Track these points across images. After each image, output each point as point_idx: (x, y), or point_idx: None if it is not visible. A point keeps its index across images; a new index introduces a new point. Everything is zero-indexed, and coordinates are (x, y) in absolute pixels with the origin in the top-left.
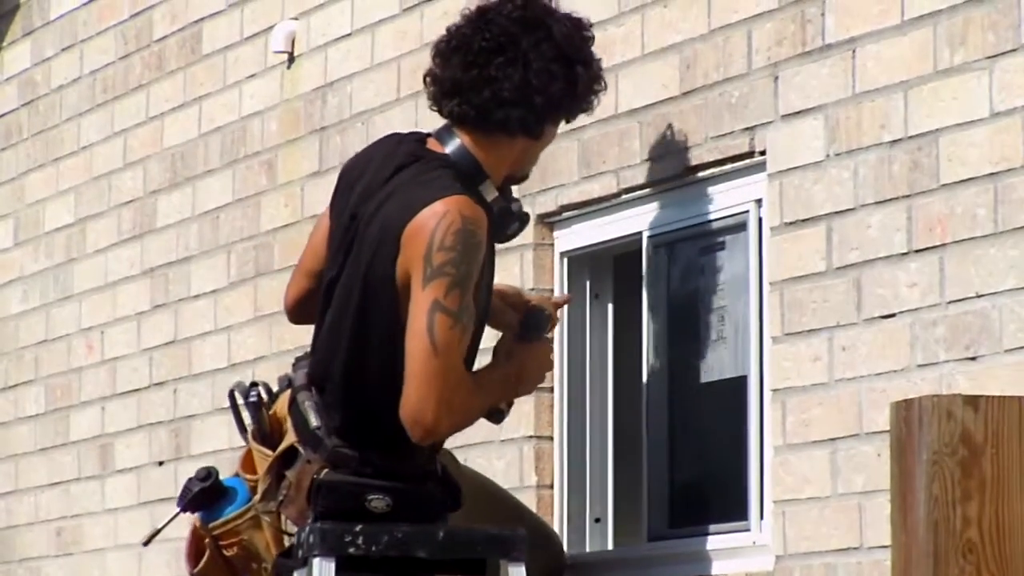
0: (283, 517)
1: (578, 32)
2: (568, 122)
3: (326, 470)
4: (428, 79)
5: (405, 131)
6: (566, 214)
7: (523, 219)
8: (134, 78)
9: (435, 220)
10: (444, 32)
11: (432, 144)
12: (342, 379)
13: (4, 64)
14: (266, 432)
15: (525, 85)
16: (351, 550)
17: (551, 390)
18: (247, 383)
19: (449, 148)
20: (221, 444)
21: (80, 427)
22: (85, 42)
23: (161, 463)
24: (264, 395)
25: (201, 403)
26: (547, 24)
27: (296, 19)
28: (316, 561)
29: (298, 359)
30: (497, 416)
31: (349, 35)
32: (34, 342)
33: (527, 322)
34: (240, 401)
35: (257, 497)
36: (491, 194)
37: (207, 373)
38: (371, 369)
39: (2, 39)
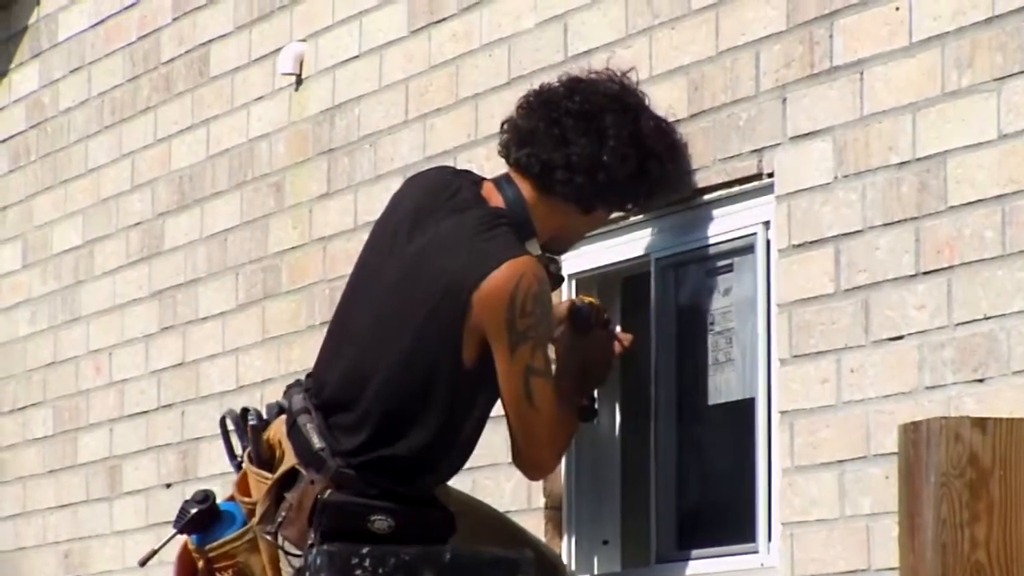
0: (281, 539)
1: (664, 132)
2: (620, 211)
3: (330, 490)
4: (506, 125)
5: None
6: None
7: (559, 281)
8: (142, 100)
9: (511, 284)
10: (536, 86)
11: (488, 190)
12: (372, 405)
13: (12, 86)
14: (263, 457)
15: (595, 157)
16: (358, 572)
17: None
18: (238, 410)
19: (506, 196)
20: (229, 466)
21: (88, 449)
22: (93, 64)
23: (169, 485)
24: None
25: (209, 425)
26: (636, 111)
27: (304, 41)
28: None
29: (289, 386)
30: (587, 414)
31: (357, 57)
32: (42, 364)
33: (576, 316)
34: (231, 427)
35: (255, 520)
36: (535, 250)
37: (215, 395)
38: (408, 401)
39: (10, 61)
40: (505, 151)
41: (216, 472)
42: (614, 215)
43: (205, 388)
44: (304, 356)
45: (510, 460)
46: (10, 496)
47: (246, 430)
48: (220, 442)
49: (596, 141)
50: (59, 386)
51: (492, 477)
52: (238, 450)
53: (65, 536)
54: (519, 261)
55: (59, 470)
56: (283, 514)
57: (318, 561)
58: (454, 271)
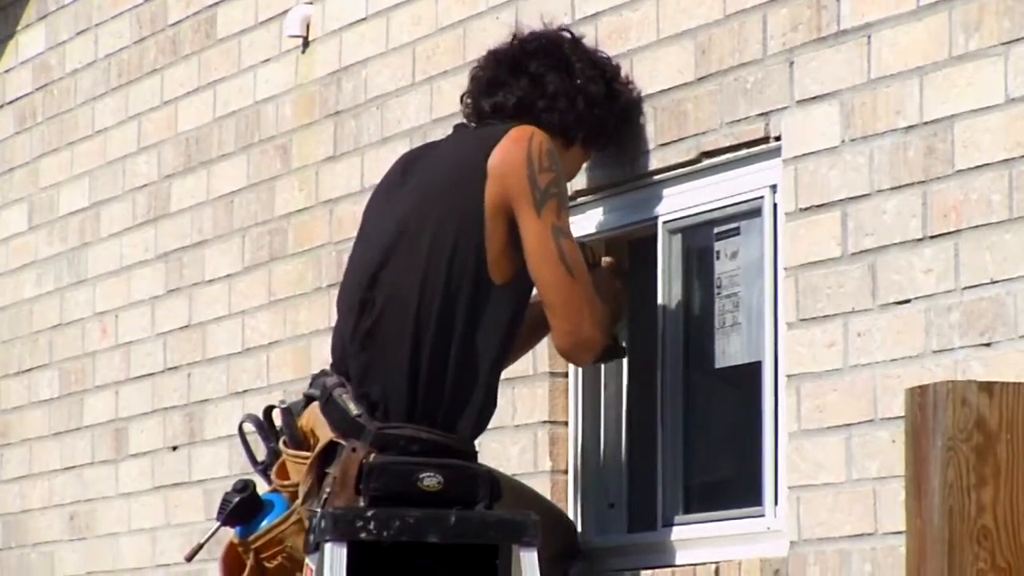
0: None
1: (610, 60)
2: (595, 145)
3: (373, 454)
4: (464, 96)
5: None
6: (581, 199)
7: (621, 352)
8: (148, 62)
9: (524, 143)
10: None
11: None
12: (390, 333)
13: (19, 48)
14: (299, 439)
15: (568, 83)
16: (363, 535)
17: (565, 375)
18: (259, 414)
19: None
20: (235, 429)
21: (94, 411)
22: (100, 26)
23: (175, 447)
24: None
25: (215, 387)
26: (582, 43)
27: (311, 3)
28: (328, 547)
29: (314, 376)
30: (614, 352)
31: (364, 19)
32: (48, 326)
33: None
34: (251, 429)
35: (299, 501)
36: None
37: (221, 358)
38: (428, 321)
39: (17, 23)
40: (475, 112)
41: (223, 434)
42: (622, 178)
43: (211, 350)
44: (310, 319)
45: (516, 423)
46: (16, 458)
47: (271, 428)
48: (226, 404)
49: (565, 71)
50: (65, 348)
51: (498, 440)
52: (259, 455)
53: (71, 498)
54: (524, 127)
55: (65, 432)
56: (328, 489)
57: (323, 524)
58: (463, 157)
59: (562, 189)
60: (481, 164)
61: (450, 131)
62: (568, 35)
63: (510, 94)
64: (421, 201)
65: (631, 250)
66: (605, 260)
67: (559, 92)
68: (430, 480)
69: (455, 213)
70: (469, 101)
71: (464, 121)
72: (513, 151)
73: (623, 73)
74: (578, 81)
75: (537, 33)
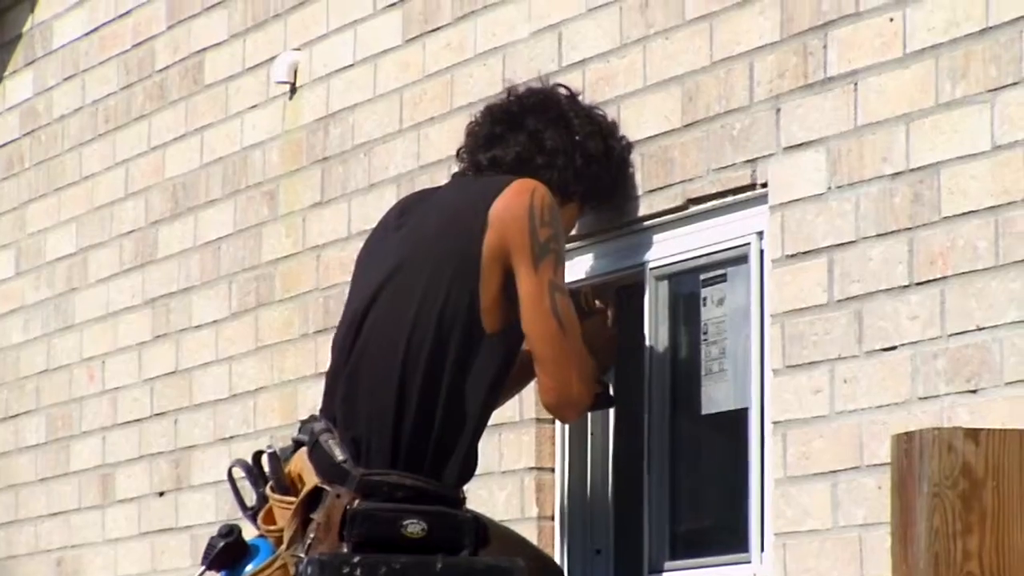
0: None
1: (604, 115)
2: (591, 202)
3: (358, 500)
4: (460, 150)
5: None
6: (568, 246)
7: (610, 401)
8: (136, 108)
9: (527, 195)
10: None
11: None
12: (380, 379)
13: (6, 93)
14: (285, 485)
15: (566, 139)
16: None
17: (552, 421)
18: (247, 459)
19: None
20: (222, 475)
21: (81, 457)
22: (87, 72)
23: (162, 493)
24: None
25: (202, 433)
26: (581, 103)
27: (298, 50)
28: None
29: (303, 422)
30: (603, 401)
31: (351, 66)
32: (35, 372)
33: None
34: (240, 474)
35: (284, 546)
36: None
37: (208, 403)
38: (422, 359)
39: (4, 68)
40: (472, 166)
41: (209, 480)
42: (609, 225)
43: (198, 396)
44: (297, 364)
45: (503, 470)
46: (2, 504)
47: (260, 473)
48: (213, 450)
49: (563, 127)
50: (52, 394)
51: (485, 487)
52: (249, 501)
53: (57, 544)
54: (527, 179)
55: (52, 478)
56: (311, 535)
57: (309, 570)
58: (463, 204)
59: (561, 245)
60: (482, 212)
61: (440, 178)
62: (565, 91)
63: (509, 149)
64: (417, 245)
65: (618, 296)
66: (599, 305)
67: (557, 148)
68: (414, 527)
69: (451, 259)
70: (465, 156)
71: (461, 171)
72: (516, 202)
73: (617, 128)
74: (577, 137)
75: (534, 89)
